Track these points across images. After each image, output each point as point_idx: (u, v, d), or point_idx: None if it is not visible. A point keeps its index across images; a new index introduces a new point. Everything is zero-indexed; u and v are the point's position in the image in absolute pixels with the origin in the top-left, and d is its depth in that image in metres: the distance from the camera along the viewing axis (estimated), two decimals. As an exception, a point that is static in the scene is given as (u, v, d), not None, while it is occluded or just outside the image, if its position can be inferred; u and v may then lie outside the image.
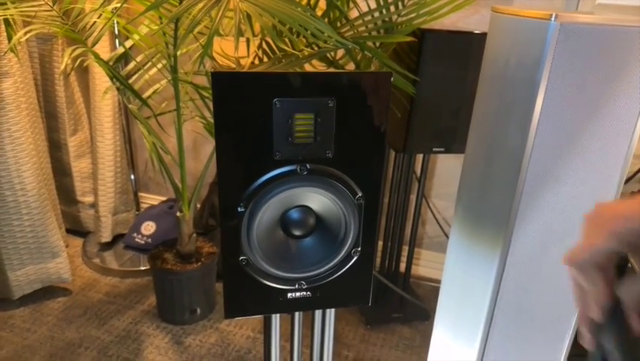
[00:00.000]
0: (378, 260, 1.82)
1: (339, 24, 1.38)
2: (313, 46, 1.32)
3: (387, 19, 1.34)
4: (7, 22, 1.41)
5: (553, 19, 0.56)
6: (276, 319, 0.94)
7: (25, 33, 1.33)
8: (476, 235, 0.71)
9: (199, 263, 1.64)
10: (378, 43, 1.43)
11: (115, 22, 1.65)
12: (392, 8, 1.32)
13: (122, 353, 1.53)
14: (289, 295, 0.76)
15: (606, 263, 0.35)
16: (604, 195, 0.64)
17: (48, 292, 1.76)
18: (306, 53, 1.27)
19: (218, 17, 0.80)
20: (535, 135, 0.60)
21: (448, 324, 0.84)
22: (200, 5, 0.81)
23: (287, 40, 1.26)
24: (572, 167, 0.63)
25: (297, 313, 0.99)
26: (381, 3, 1.31)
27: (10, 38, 1.46)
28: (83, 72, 1.95)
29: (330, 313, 0.93)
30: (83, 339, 1.58)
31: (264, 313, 0.79)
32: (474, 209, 0.71)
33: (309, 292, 0.77)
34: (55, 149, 2.00)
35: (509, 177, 0.62)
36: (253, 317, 1.65)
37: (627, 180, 1.31)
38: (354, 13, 1.39)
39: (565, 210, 0.65)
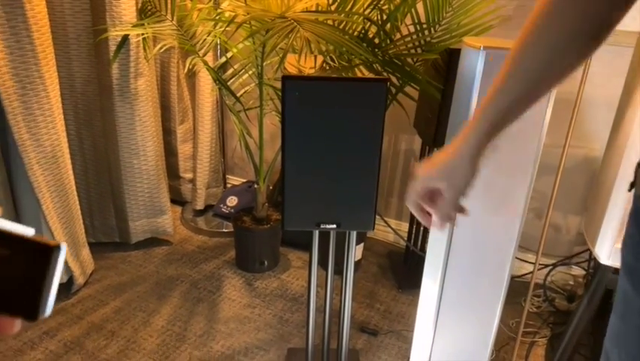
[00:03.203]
0: (407, 238, 2.17)
1: (388, 41, 1.78)
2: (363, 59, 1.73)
3: (422, 40, 1.72)
4: (144, 38, 1.97)
5: (481, 48, 0.92)
6: (314, 268, 1.34)
7: (162, 47, 1.86)
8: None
9: (269, 225, 2.10)
10: (417, 59, 1.82)
11: (218, 38, 2.16)
12: (426, 32, 1.69)
13: (207, 287, 2.02)
14: (322, 225, 1.17)
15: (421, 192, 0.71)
16: (523, 159, 0.99)
17: (155, 241, 2.31)
18: (357, 62, 1.68)
19: (291, 41, 1.23)
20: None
21: (430, 269, 1.20)
22: (279, 33, 1.25)
23: (344, 55, 1.68)
24: (503, 140, 0.98)
25: (330, 260, 1.40)
26: (418, 28, 1.70)
27: (145, 50, 2.01)
28: (191, 76, 2.50)
29: (352, 248, 1.32)
30: (179, 275, 2.09)
31: (307, 229, 1.19)
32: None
33: (333, 225, 1.18)
34: (167, 134, 2.57)
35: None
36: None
37: None
38: (398, 36, 1.77)
39: (497, 169, 1.00)
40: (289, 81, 1.02)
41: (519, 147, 0.99)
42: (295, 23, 1.28)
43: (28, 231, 0.33)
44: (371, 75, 1.82)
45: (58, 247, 0.33)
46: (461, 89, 1.01)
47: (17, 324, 0.34)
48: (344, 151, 1.08)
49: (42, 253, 0.32)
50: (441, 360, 1.22)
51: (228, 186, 2.73)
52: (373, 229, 1.17)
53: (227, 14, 1.75)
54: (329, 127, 1.06)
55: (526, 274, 2.16)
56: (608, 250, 1.06)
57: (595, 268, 1.15)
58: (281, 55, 1.81)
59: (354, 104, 1.04)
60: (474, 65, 0.94)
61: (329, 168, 1.10)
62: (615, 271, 1.13)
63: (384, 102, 1.03)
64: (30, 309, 0.32)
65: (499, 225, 1.06)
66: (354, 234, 1.31)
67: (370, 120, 1.06)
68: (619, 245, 1.06)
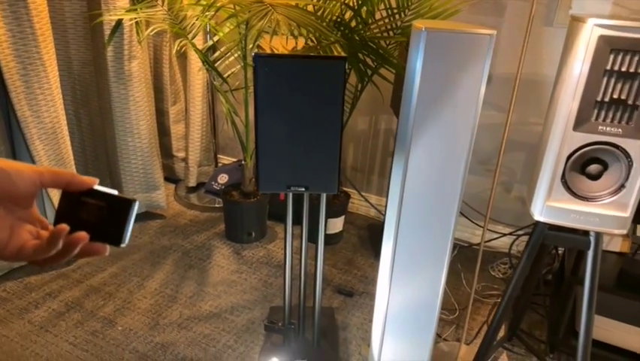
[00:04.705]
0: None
1: (363, 25, 1.91)
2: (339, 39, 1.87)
3: (394, 24, 1.85)
4: (137, 23, 2.09)
5: (423, 29, 1.05)
6: (289, 236, 1.48)
7: (152, 30, 1.99)
8: (397, 155, 1.22)
9: (255, 199, 2.25)
10: (390, 42, 1.95)
11: (207, 22, 2.28)
12: (397, 17, 1.83)
13: (198, 256, 2.17)
14: (292, 188, 1.31)
15: None
16: (461, 129, 1.13)
17: (150, 214, 2.46)
18: (326, 43, 1.81)
19: (265, 22, 1.37)
20: (417, 96, 1.11)
21: (387, 231, 1.34)
22: (255, 16, 1.39)
23: (319, 38, 1.81)
24: (443, 113, 1.12)
25: (304, 227, 1.54)
26: (390, 12, 1.83)
27: (138, 33, 2.14)
28: (183, 59, 2.63)
29: (322, 213, 1.47)
30: (172, 245, 2.24)
31: (279, 191, 1.34)
32: (398, 140, 1.23)
33: (302, 188, 1.32)
34: (160, 115, 2.70)
35: (408, 120, 1.14)
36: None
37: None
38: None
39: (438, 138, 1.14)
40: (260, 58, 1.16)
41: (457, 117, 1.13)
42: (270, 7, 1.41)
43: (114, 191, 0.52)
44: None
45: (135, 201, 0.51)
46: (409, 70, 1.15)
47: (107, 249, 0.52)
48: (310, 121, 1.22)
49: (125, 205, 0.51)
50: (396, 312, 1.37)
51: (220, 164, 2.88)
52: (337, 192, 1.32)
53: None
54: (296, 100, 1.20)
55: (490, 240, 2.31)
56: (540, 208, 1.21)
57: (534, 226, 1.30)
58: (264, 37, 1.94)
59: (317, 80, 1.18)
60: (419, 45, 1.08)
61: (297, 137, 1.24)
62: (550, 227, 1.28)
63: (342, 78, 1.17)
64: (116, 239, 0.51)
65: (442, 188, 1.20)
66: (324, 200, 1.45)
67: (331, 94, 1.20)
68: (549, 203, 1.21)
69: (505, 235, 2.25)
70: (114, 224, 0.51)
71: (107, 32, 2.05)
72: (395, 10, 1.82)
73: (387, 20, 1.85)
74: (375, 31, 1.86)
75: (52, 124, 1.91)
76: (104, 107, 2.23)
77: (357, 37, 1.85)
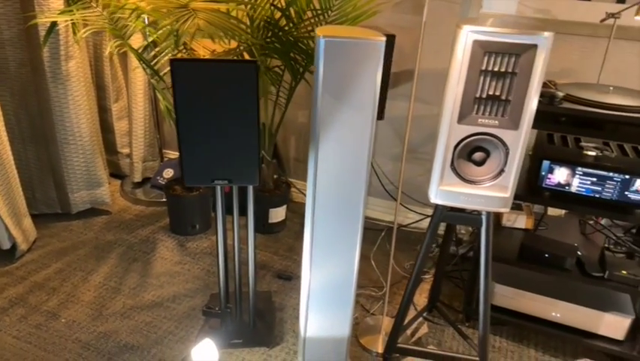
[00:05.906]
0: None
1: (294, 23, 2.02)
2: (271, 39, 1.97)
3: (318, 25, 1.97)
4: (73, 23, 2.14)
5: (321, 37, 1.18)
6: (220, 222, 1.60)
7: (87, 31, 2.04)
8: (310, 148, 1.35)
9: (198, 192, 2.34)
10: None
11: (146, 21, 2.34)
12: (321, 17, 1.95)
13: (142, 249, 2.25)
14: (216, 181, 1.42)
15: None
16: (362, 124, 1.27)
17: (95, 211, 2.52)
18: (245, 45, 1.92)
19: (186, 26, 1.46)
20: (321, 94, 1.24)
21: (307, 211, 1.47)
22: (178, 20, 1.48)
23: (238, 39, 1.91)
24: (344, 109, 1.25)
25: (235, 221, 1.66)
26: (314, 13, 1.94)
27: (74, 33, 2.18)
28: (124, 57, 2.67)
29: (250, 203, 1.58)
30: (117, 240, 2.31)
31: (204, 185, 1.45)
32: (310, 134, 1.35)
33: (225, 181, 1.43)
34: (103, 112, 2.74)
35: (316, 116, 1.26)
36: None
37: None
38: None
39: (343, 131, 1.27)
40: (176, 62, 1.26)
41: (358, 111, 1.26)
42: (193, 12, 1.50)
43: None
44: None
45: None
46: (316, 71, 1.27)
47: None
48: (228, 119, 1.33)
49: None
50: (318, 290, 1.51)
51: (166, 159, 2.94)
52: (258, 184, 1.44)
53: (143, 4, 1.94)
54: (214, 100, 1.31)
55: (418, 220, 2.49)
56: (435, 191, 1.36)
57: (434, 207, 1.46)
58: (196, 39, 2.03)
59: (232, 81, 1.29)
60: (319, 51, 1.20)
61: (218, 134, 1.35)
62: (451, 209, 1.44)
63: (255, 79, 1.28)
64: None
65: (350, 176, 1.34)
66: (250, 191, 1.57)
67: (247, 94, 1.31)
68: (442, 187, 1.37)
69: (428, 216, 2.43)
70: None
71: (43, 33, 2.09)
72: (319, 11, 1.94)
73: (313, 20, 1.97)
74: (302, 31, 1.98)
75: (-11, 126, 1.94)
76: (43, 107, 2.26)
77: (285, 38, 1.96)
